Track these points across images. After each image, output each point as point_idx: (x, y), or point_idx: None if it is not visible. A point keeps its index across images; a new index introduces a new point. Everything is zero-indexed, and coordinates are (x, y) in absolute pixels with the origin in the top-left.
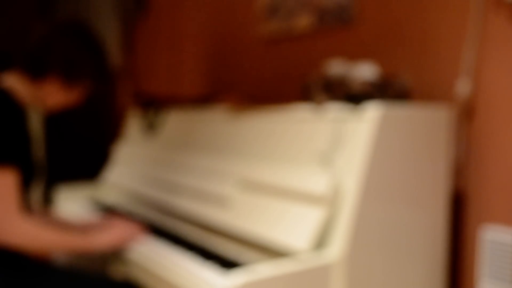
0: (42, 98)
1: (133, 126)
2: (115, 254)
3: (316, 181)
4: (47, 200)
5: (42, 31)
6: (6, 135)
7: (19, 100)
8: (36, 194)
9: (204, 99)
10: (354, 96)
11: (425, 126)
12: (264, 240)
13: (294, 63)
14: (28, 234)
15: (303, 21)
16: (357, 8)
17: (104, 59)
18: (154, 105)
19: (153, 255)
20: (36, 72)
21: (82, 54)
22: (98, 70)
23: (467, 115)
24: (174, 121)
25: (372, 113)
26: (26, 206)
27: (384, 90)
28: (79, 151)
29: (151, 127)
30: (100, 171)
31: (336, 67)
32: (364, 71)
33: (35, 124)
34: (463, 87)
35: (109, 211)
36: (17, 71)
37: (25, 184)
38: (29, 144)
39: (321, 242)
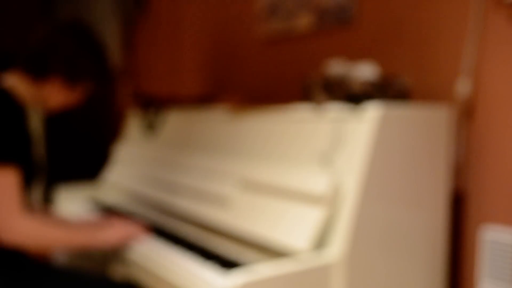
0: (44, 98)
1: (133, 126)
2: (116, 254)
3: (316, 181)
4: (47, 199)
5: (44, 31)
6: (6, 134)
7: (20, 100)
8: (37, 193)
9: (204, 99)
10: (354, 96)
11: (425, 126)
12: (264, 240)
13: (294, 63)
14: (31, 231)
15: (303, 21)
16: (357, 8)
17: (105, 59)
18: (154, 105)
19: (153, 255)
20: (37, 72)
21: (83, 54)
22: (99, 70)
23: (467, 115)
24: (174, 121)
25: (372, 113)
26: (27, 205)
27: (384, 90)
28: (79, 151)
29: (151, 127)
30: (100, 171)
31: (336, 67)
32: (364, 71)
33: (36, 124)
34: (463, 87)
35: (109, 211)
36: (19, 71)
37: (26, 184)
38: (29, 143)
39: (321, 242)
